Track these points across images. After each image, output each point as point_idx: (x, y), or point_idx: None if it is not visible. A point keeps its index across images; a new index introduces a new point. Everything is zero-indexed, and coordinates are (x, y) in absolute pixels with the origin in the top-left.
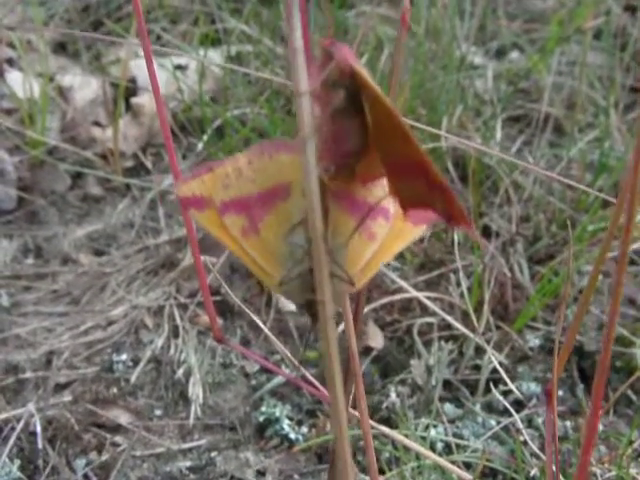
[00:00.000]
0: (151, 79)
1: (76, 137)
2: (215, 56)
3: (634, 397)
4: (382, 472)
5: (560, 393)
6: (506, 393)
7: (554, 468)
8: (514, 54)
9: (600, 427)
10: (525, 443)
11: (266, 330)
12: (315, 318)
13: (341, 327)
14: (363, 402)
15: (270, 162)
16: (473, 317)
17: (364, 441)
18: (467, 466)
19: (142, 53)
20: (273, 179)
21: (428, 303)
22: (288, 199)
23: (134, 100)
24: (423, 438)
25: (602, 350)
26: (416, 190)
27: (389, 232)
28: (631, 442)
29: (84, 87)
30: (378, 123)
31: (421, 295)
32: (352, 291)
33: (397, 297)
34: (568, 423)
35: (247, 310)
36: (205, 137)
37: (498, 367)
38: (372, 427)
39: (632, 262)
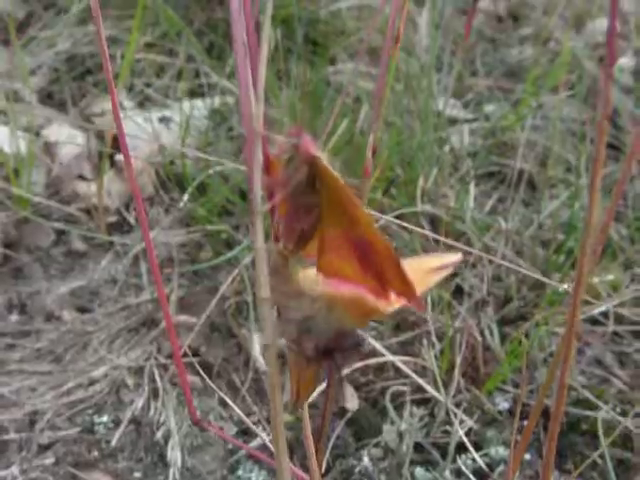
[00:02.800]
0: (121, 142)
1: (61, 191)
2: (198, 109)
3: (599, 460)
4: None
5: (527, 457)
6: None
7: None
8: (491, 106)
9: None
10: None
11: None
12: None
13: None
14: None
15: None
16: (440, 383)
17: None
18: None
19: (128, 105)
20: None
21: (402, 367)
22: None
23: (118, 156)
24: None
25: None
26: (350, 269)
27: None
28: None
29: (70, 141)
30: (331, 204)
31: (396, 359)
32: None
33: (372, 361)
34: None
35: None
36: (186, 196)
37: (464, 438)
38: None
39: (598, 322)
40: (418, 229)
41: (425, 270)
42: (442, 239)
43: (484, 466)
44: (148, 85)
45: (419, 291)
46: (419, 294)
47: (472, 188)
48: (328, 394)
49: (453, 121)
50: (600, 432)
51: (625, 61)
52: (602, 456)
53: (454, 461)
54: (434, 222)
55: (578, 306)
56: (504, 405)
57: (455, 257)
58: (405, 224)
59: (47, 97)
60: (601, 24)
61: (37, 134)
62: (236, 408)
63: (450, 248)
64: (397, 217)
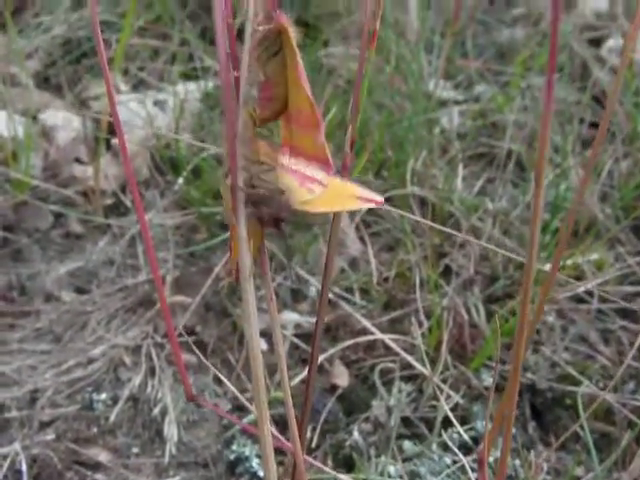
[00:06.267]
0: (116, 126)
1: (58, 175)
2: (192, 92)
3: (582, 433)
4: None
5: (512, 430)
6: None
7: None
8: (481, 88)
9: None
10: None
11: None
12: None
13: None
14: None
15: None
16: (427, 360)
17: None
18: None
19: (123, 88)
20: None
21: (391, 344)
22: None
23: (114, 140)
24: (382, 474)
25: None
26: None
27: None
28: (578, 479)
29: (66, 125)
30: (291, 75)
31: (385, 337)
32: None
33: (363, 339)
34: (517, 462)
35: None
36: (180, 179)
37: (449, 413)
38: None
39: (583, 301)
40: (407, 214)
41: (348, 194)
42: (430, 223)
43: (469, 440)
44: (142, 69)
45: (333, 209)
46: (332, 211)
47: (460, 169)
48: (310, 370)
49: (443, 102)
50: (580, 405)
51: (613, 42)
52: (584, 429)
53: (441, 435)
54: (424, 203)
55: (529, 290)
56: (490, 381)
57: (380, 199)
58: (394, 209)
59: (43, 81)
60: (591, 6)
61: (34, 118)
62: (229, 384)
63: (440, 232)
64: (387, 199)
